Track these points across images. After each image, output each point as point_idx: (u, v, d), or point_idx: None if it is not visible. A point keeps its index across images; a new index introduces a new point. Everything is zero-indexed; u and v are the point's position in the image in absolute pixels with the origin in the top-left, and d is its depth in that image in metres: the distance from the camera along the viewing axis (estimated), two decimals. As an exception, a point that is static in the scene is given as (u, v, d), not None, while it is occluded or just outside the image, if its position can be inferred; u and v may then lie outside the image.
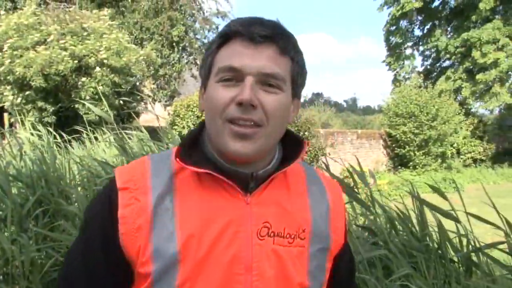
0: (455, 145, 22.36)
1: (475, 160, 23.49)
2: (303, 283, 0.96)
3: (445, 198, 2.64)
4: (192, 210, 0.93)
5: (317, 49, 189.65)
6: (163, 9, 17.24)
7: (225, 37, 0.95)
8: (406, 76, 27.17)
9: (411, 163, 20.75)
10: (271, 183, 0.98)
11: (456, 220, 2.55)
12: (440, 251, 2.49)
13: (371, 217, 2.81)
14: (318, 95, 68.77)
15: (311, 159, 16.42)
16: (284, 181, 1.01)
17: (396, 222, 2.85)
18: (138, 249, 0.92)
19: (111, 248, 0.94)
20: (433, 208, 2.61)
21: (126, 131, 4.23)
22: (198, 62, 19.00)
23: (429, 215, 2.66)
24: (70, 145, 5.02)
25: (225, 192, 0.95)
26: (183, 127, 14.08)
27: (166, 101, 18.38)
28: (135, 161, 1.03)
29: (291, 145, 1.02)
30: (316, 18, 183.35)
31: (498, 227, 2.44)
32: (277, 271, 0.93)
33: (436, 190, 2.78)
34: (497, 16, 24.01)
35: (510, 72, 22.76)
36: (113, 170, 1.04)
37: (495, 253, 2.58)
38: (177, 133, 12.97)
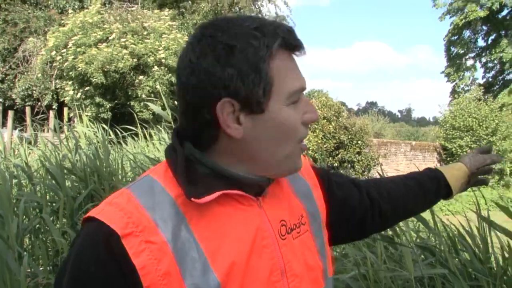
0: (516, 162, 21.44)
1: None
2: (319, 265, 0.95)
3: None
4: (215, 233, 0.81)
5: (372, 58, 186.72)
6: (222, 11, 17.47)
7: (281, 45, 0.81)
8: (466, 88, 26.35)
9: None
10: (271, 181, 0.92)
11: None
12: (505, 277, 2.34)
13: (430, 234, 2.70)
14: (372, 104, 67.87)
15: (363, 168, 16.18)
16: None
17: (457, 240, 2.72)
18: None
19: None
20: (500, 228, 2.45)
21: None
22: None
23: (492, 234, 2.57)
24: (125, 142, 5.13)
25: (239, 203, 0.85)
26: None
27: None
28: (117, 199, 0.81)
29: None
30: (371, 26, 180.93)
31: None
32: (303, 264, 0.90)
33: (503, 209, 2.62)
34: None
35: None
36: (84, 218, 0.80)
37: None
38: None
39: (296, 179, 0.98)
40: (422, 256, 2.70)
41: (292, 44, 0.82)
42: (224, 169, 0.83)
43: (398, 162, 19.19)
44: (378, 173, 3.03)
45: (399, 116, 74.76)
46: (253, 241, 0.83)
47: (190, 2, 17.74)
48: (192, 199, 0.77)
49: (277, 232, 0.87)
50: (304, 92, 0.88)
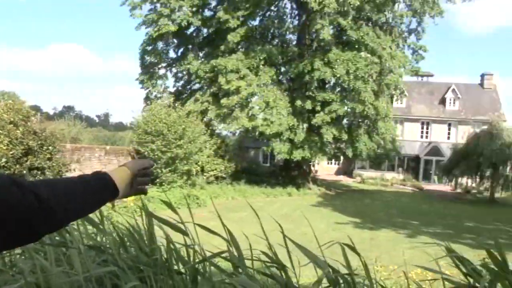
0: (199, 163, 23.71)
1: (217, 178, 25.33)
2: None
3: (175, 211, 2.74)
4: None
5: (71, 61, 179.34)
6: None
7: None
8: (158, 95, 27.89)
9: (158, 180, 21.20)
10: None
11: (184, 232, 2.63)
12: (167, 264, 2.55)
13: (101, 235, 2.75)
14: (69, 108, 65.63)
15: (54, 175, 15.45)
16: None
17: (126, 239, 2.82)
18: None
19: None
20: (161, 221, 2.66)
21: None
22: None
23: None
24: None
25: None
26: None
27: None
28: None
29: None
30: (69, 28, 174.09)
31: (222, 237, 2.60)
32: None
33: (167, 204, 2.86)
34: (241, 49, 26.72)
35: (249, 99, 25.37)
36: None
37: (226, 263, 2.75)
38: None
39: None
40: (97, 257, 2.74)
41: None
42: None
43: (93, 167, 19.00)
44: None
45: (97, 121, 74.42)
46: None
47: None
48: None
49: None
50: None
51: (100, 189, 1.21)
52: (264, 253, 2.61)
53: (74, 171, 16.57)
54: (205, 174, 24.54)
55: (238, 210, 19.21)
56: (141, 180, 1.37)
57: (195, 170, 22.90)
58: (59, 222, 1.11)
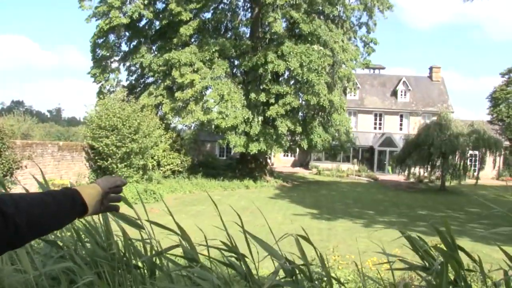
0: (155, 157, 23.48)
1: (173, 172, 25.17)
2: None
3: (130, 206, 2.76)
4: None
5: (17, 53, 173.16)
6: None
7: None
8: (111, 89, 27.33)
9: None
10: None
11: (140, 227, 2.67)
12: (125, 258, 2.56)
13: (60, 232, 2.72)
14: (18, 103, 63.29)
15: (4, 172, 14.94)
16: None
17: (82, 234, 2.80)
18: None
19: None
20: (118, 216, 2.68)
21: None
22: None
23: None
24: None
25: None
26: None
27: None
28: None
29: None
30: (13, 18, 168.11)
31: (174, 232, 2.64)
32: None
33: (123, 199, 2.84)
34: (194, 42, 26.53)
35: (203, 93, 25.27)
36: None
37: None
38: None
39: None
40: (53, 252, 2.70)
41: None
42: None
43: (45, 163, 18.46)
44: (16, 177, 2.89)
45: (49, 116, 72.13)
46: None
47: None
48: None
49: None
50: None
51: (68, 205, 1.19)
52: (223, 242, 2.67)
53: (26, 168, 16.11)
54: (161, 168, 24.37)
55: (196, 204, 19.19)
56: (112, 197, 1.36)
57: (151, 164, 22.69)
58: (23, 238, 1.10)
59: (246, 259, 2.36)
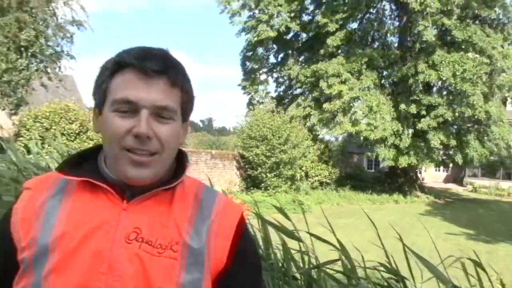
0: (303, 168, 23.60)
1: (321, 183, 25.07)
2: None
3: (288, 218, 2.75)
4: (73, 210, 1.02)
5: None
6: (10, 9, 15.59)
7: (119, 66, 1.01)
8: (260, 101, 28.21)
9: (263, 184, 21.36)
10: (154, 197, 1.05)
11: (299, 239, 2.65)
12: (284, 269, 2.60)
13: None
14: (174, 114, 68.48)
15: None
16: (170, 197, 1.07)
17: None
18: (19, 237, 1.02)
19: (2, 239, 1.05)
20: (277, 228, 2.68)
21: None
22: (49, 70, 17.54)
23: (276, 235, 2.78)
24: None
25: (106, 198, 1.03)
26: (30, 139, 12.75)
27: (11, 110, 16.60)
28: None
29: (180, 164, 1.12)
30: (170, 35, 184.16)
31: (335, 247, 2.55)
32: (137, 276, 0.97)
33: (279, 210, 2.94)
34: (341, 53, 26.32)
35: (351, 104, 24.87)
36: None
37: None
38: (22, 145, 11.77)
39: (203, 215, 1.07)
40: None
41: (137, 67, 0.99)
42: (102, 169, 1.07)
43: (199, 170, 19.52)
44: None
45: (201, 125, 76.92)
46: (95, 228, 0.99)
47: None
48: (64, 175, 1.04)
49: (124, 233, 0.99)
50: None
51: None
52: (381, 264, 2.50)
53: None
54: (309, 179, 24.42)
55: (343, 216, 18.82)
56: None
57: (299, 175, 22.83)
58: None
59: (406, 281, 2.20)
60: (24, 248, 1.01)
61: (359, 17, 27.44)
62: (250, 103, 27.92)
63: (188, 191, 1.10)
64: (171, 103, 1.02)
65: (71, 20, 17.41)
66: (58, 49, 17.66)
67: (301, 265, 2.64)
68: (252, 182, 22.10)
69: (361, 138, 24.64)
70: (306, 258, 2.62)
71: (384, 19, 28.29)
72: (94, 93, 1.07)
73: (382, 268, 2.46)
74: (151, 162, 1.00)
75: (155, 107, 0.99)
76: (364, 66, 24.87)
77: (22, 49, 15.85)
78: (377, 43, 28.38)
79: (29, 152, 5.07)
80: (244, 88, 28.22)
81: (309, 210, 19.12)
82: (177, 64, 1.06)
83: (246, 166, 21.92)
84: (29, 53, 16.29)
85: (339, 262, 2.59)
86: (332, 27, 24.71)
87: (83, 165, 1.09)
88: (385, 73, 27.21)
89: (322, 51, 25.85)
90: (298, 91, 28.40)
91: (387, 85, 27.30)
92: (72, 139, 14.48)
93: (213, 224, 1.06)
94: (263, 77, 29.19)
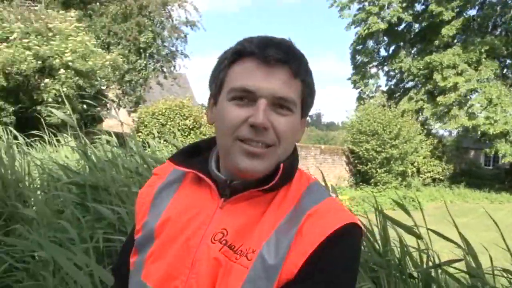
0: (415, 164, 22.82)
1: (434, 180, 24.03)
2: None
3: (408, 214, 2.66)
4: (180, 199, 1.06)
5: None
6: (131, 15, 17.03)
7: (239, 55, 0.98)
8: (371, 95, 27.63)
9: (372, 180, 21.04)
10: (252, 198, 0.99)
11: (418, 236, 2.56)
12: (400, 267, 2.49)
13: None
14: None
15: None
16: (270, 200, 0.99)
17: None
18: (138, 220, 1.11)
19: (135, 217, 1.15)
20: (397, 223, 2.60)
21: (94, 136, 4.15)
22: (165, 69, 18.88)
23: (391, 231, 2.67)
24: (31, 147, 4.85)
25: (208, 192, 1.03)
26: (147, 134, 13.85)
27: (131, 107, 18.16)
28: None
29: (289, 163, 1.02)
30: (278, 32, 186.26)
31: (459, 246, 2.46)
32: (210, 278, 0.94)
33: (400, 206, 2.80)
34: (457, 43, 24.89)
35: (468, 96, 23.50)
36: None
37: (451, 271, 2.61)
38: (141, 140, 12.80)
39: (290, 226, 0.94)
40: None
41: (257, 55, 0.95)
42: (210, 163, 1.07)
43: (308, 165, 19.70)
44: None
45: (310, 120, 76.78)
46: (191, 220, 1.01)
47: (98, 4, 17.11)
48: (175, 165, 1.07)
49: (211, 232, 0.97)
50: None
51: None
52: (506, 270, 2.35)
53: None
54: (421, 175, 23.56)
55: (457, 215, 17.87)
56: None
57: (410, 171, 22.14)
58: None
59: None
60: (139, 230, 1.09)
61: (477, 2, 25.74)
62: (360, 98, 27.44)
63: (292, 195, 1.00)
64: (292, 94, 0.96)
65: (185, 21, 18.54)
66: (173, 49, 18.93)
67: (419, 263, 2.55)
68: (361, 178, 21.85)
69: (479, 132, 23.19)
70: (424, 257, 2.53)
71: (509, 2, 26.18)
72: (211, 83, 1.04)
73: (504, 273, 2.35)
74: (265, 154, 0.95)
75: (274, 97, 0.94)
76: (484, 56, 23.32)
77: (141, 50, 17.25)
78: (499, 30, 26.35)
79: (146, 146, 5.51)
80: (354, 82, 27.78)
81: (420, 207, 18.51)
82: (300, 55, 1.00)
83: (356, 161, 21.72)
84: (147, 54, 17.69)
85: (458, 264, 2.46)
86: (447, 15, 23.46)
87: (197, 156, 1.10)
88: (508, 61, 25.33)
89: (436, 42, 24.68)
90: (410, 84, 27.34)
91: (510, 75, 25.36)
92: (186, 134, 15.30)
93: (295, 240, 0.92)
94: (373, 70, 28.51)
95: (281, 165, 0.97)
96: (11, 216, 2.87)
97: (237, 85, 0.95)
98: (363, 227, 2.73)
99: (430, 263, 2.52)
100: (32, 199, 2.97)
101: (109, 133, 4.36)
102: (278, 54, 0.94)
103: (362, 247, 2.74)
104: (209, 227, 0.98)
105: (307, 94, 1.02)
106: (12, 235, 2.65)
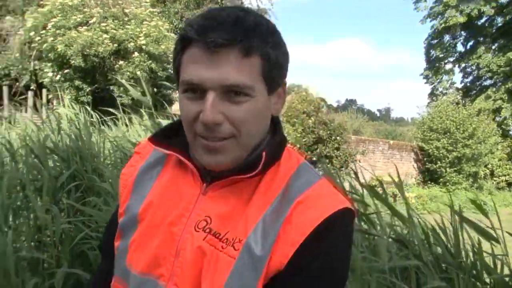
0: (489, 166, 21.83)
1: (509, 184, 22.83)
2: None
3: (486, 216, 2.53)
4: (163, 183, 0.99)
5: (352, 55, 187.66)
6: (204, 1, 17.27)
7: (184, 42, 0.87)
8: (444, 91, 26.68)
9: (441, 179, 20.30)
10: (236, 183, 0.92)
11: (496, 240, 2.42)
12: (474, 271, 2.38)
13: (405, 229, 2.68)
14: (351, 102, 68.10)
15: (341, 164, 16.19)
16: (256, 184, 0.92)
17: (430, 234, 2.66)
18: (121, 202, 1.05)
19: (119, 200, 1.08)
20: (474, 225, 2.48)
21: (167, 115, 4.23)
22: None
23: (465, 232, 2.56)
24: (105, 125, 5.03)
25: (191, 177, 0.96)
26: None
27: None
28: None
29: (275, 146, 0.95)
30: (351, 23, 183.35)
31: None
32: (196, 266, 0.89)
33: (478, 207, 2.68)
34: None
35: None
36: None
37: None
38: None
39: (277, 213, 0.88)
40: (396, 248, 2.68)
41: (191, 38, 0.85)
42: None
43: (375, 159, 19.30)
44: (352, 169, 3.05)
45: (378, 115, 75.26)
46: (174, 206, 0.95)
47: (172, -11, 17.52)
48: (154, 146, 0.99)
49: (194, 220, 0.92)
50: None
51: None
52: None
53: (359, 162, 17.07)
54: (495, 178, 22.47)
55: (534, 223, 16.94)
56: None
57: (483, 173, 21.16)
58: None
59: None
60: (122, 214, 1.03)
61: None
62: (432, 94, 26.66)
63: (280, 177, 0.93)
64: (244, 79, 0.84)
65: (257, 9, 18.58)
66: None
67: (494, 269, 2.42)
68: (429, 176, 21.11)
69: None
70: (499, 263, 2.39)
71: None
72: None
73: None
74: (225, 147, 0.87)
75: (223, 86, 0.84)
76: None
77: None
78: None
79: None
80: (426, 77, 26.97)
81: (493, 212, 17.65)
82: (252, 27, 0.85)
83: (425, 159, 21.01)
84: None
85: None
86: (534, 9, 22.20)
87: (178, 137, 1.00)
88: None
89: (521, 38, 23.42)
90: (489, 82, 26.08)
91: None
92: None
93: (286, 225, 0.87)
94: (448, 66, 27.57)
95: (263, 153, 0.90)
96: (87, 188, 2.97)
97: (185, 77, 0.87)
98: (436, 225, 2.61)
99: (507, 271, 2.37)
100: (106, 173, 3.05)
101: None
102: (221, 36, 0.82)
103: (434, 245, 2.65)
104: (192, 214, 0.93)
105: (271, 67, 0.88)
106: (88, 206, 2.77)
